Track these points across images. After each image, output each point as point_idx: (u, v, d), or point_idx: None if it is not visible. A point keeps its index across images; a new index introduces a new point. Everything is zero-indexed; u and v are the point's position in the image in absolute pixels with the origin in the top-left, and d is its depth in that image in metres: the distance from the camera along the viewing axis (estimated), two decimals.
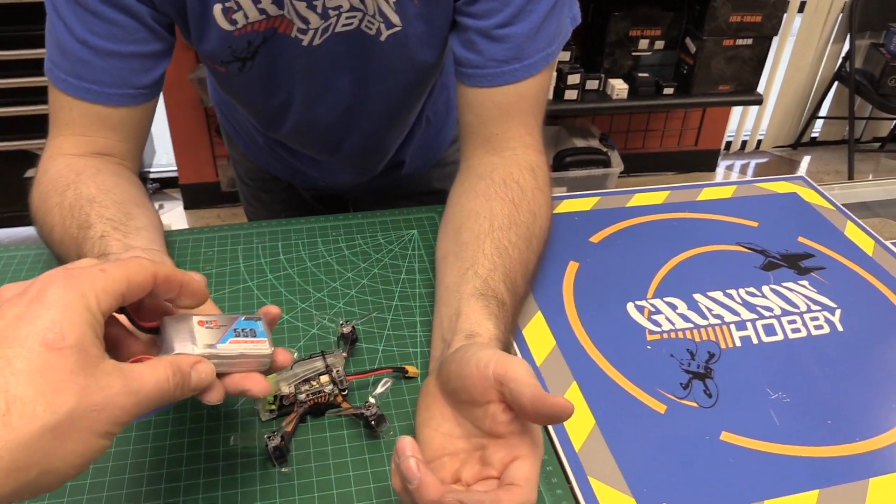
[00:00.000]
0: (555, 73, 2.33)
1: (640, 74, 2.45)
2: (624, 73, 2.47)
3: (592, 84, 2.41)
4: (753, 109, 3.09)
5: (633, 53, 2.45)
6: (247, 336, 0.45)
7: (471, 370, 0.48)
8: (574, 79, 2.35)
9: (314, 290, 0.70)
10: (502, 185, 0.70)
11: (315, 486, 0.52)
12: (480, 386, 0.47)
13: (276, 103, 0.84)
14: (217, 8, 0.69)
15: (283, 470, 0.52)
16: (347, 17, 0.73)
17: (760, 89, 2.55)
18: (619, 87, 2.40)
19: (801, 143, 3.24)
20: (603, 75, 2.42)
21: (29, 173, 2.21)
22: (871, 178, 3.04)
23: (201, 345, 0.43)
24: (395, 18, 0.73)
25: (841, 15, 2.93)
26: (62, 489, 0.50)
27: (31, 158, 2.20)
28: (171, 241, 0.74)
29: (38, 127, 2.11)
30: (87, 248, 0.60)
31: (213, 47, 0.73)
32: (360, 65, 0.79)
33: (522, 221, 0.67)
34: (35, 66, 1.98)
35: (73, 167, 0.69)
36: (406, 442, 0.44)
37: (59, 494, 0.50)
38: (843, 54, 2.99)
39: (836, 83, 3.05)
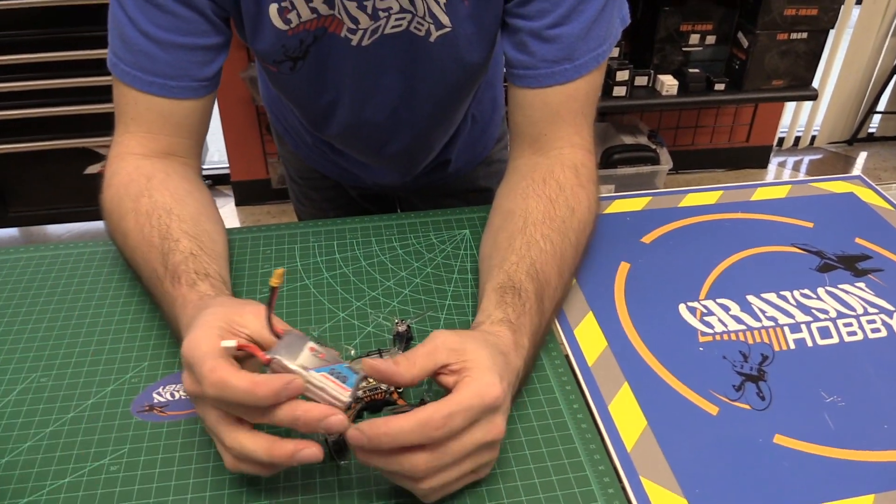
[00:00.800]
0: None
1: (691, 70, 2.42)
2: (674, 69, 2.43)
3: (641, 80, 2.39)
4: (807, 105, 3.02)
5: (684, 49, 2.42)
6: (337, 378, 0.48)
7: None
8: (623, 75, 2.33)
9: (369, 288, 0.72)
10: (541, 182, 0.71)
11: (372, 479, 0.54)
12: None
13: (325, 103, 0.86)
14: (273, 8, 0.71)
15: (342, 463, 0.54)
16: (397, 19, 0.74)
17: (815, 84, 2.49)
18: (668, 83, 2.37)
19: (858, 138, 3.16)
20: (652, 71, 2.40)
21: (90, 170, 2.29)
22: None
23: (297, 364, 0.47)
24: (445, 19, 0.74)
25: None
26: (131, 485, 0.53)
27: (90, 155, 2.28)
28: (232, 240, 0.77)
29: (97, 125, 2.19)
30: (177, 259, 0.62)
31: (267, 46, 0.75)
32: (408, 66, 0.80)
33: (558, 216, 0.68)
34: (93, 67, 2.06)
35: (143, 171, 0.72)
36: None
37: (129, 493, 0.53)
38: None
39: (894, 77, 2.96)
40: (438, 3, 0.72)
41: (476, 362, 0.51)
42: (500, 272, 0.63)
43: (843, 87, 3.00)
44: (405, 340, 0.63)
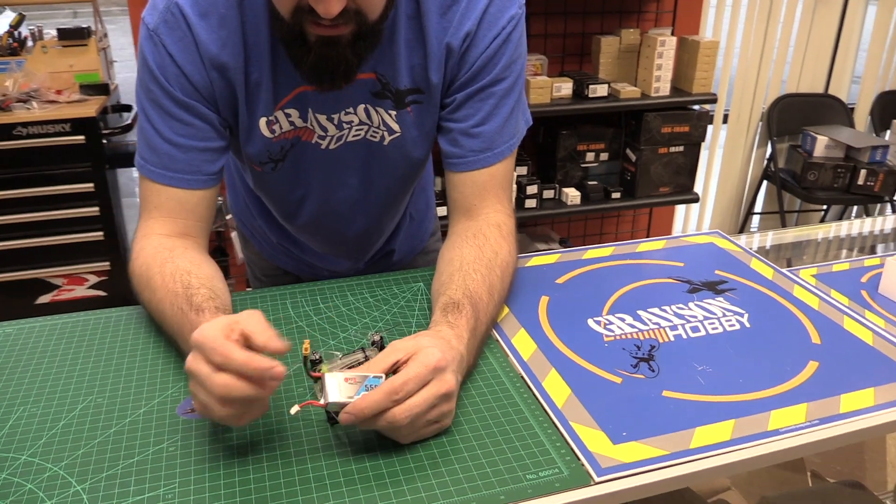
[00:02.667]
0: (515, 186, 2.64)
1: (590, 182, 2.78)
2: (575, 183, 2.79)
3: (549, 193, 2.73)
4: (695, 209, 3.43)
5: (582, 165, 2.79)
6: (372, 389, 0.68)
7: None
8: (532, 189, 2.67)
9: (350, 324, 0.91)
10: (472, 237, 0.94)
11: (362, 441, 0.71)
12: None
13: (297, 197, 1.08)
14: (262, 121, 0.94)
15: (335, 424, 0.71)
16: (357, 129, 0.99)
17: (698, 189, 2.89)
18: (572, 194, 2.72)
19: None
20: (557, 185, 2.74)
21: (41, 299, 2.39)
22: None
23: (345, 396, 0.67)
24: (395, 127, 0.99)
25: (760, 123, 3.35)
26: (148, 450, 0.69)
27: (41, 286, 2.39)
28: (243, 300, 0.96)
29: (46, 257, 2.32)
30: (200, 300, 0.81)
31: (256, 151, 0.98)
32: (365, 166, 1.04)
33: (484, 257, 0.91)
34: (44, 202, 2.22)
35: (166, 245, 0.91)
36: None
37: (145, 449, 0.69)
38: (767, 156, 3.39)
39: (764, 182, 3.44)
40: (390, 115, 0.97)
41: (418, 348, 0.72)
42: (444, 297, 0.85)
43: (724, 192, 3.45)
44: (379, 346, 0.83)
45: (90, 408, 0.76)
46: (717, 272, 1.06)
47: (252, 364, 0.64)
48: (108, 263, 2.40)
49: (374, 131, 1.00)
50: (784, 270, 1.08)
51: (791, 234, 1.33)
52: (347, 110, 0.96)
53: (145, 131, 0.93)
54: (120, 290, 2.43)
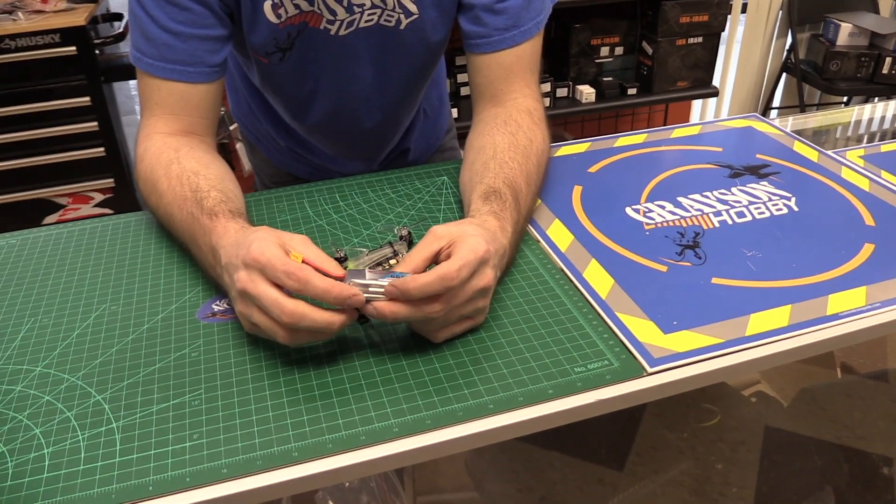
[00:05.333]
0: None
1: (605, 79, 2.66)
2: (590, 80, 2.68)
3: (562, 91, 2.62)
4: (712, 104, 3.32)
5: (597, 60, 2.67)
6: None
7: None
8: (545, 87, 2.56)
9: (373, 221, 0.86)
10: (503, 124, 0.87)
11: (397, 342, 0.67)
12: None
13: (307, 91, 1.00)
14: (267, 4, 0.86)
15: (364, 324, 0.67)
16: (369, 14, 0.90)
17: (716, 82, 2.77)
18: (586, 91, 2.61)
19: None
20: (571, 83, 2.63)
21: (47, 220, 2.35)
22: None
23: (369, 279, 0.62)
24: (413, 8, 0.90)
25: (780, 12, 3.18)
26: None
27: (46, 206, 2.34)
28: (258, 201, 0.90)
29: (49, 176, 2.25)
30: (211, 203, 0.75)
31: (262, 39, 0.90)
32: (380, 55, 0.95)
33: (520, 144, 0.84)
34: (47, 118, 2.14)
35: (170, 145, 0.84)
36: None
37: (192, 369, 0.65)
38: (787, 47, 3.24)
39: (784, 74, 3.30)
40: None
41: (463, 234, 0.66)
42: (481, 185, 0.78)
43: (742, 86, 3.32)
44: (408, 241, 0.77)
45: (104, 316, 0.72)
46: (758, 156, 1.00)
47: (335, 292, 0.60)
48: (112, 180, 2.34)
49: (388, 15, 0.91)
50: (830, 152, 1.01)
51: (823, 118, 1.25)
52: None
53: (139, 19, 0.85)
54: (126, 206, 2.38)
